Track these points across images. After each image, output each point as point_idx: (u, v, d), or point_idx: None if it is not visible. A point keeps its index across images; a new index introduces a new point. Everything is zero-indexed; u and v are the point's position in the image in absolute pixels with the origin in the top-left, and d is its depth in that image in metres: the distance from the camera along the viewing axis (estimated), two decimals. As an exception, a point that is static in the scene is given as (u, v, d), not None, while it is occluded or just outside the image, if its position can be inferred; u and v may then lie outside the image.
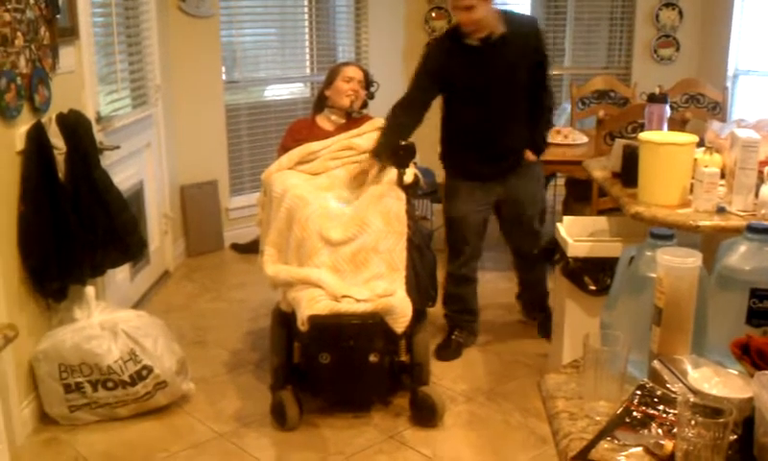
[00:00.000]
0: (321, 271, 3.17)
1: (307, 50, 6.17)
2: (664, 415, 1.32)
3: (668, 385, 1.39)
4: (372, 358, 3.18)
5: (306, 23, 6.12)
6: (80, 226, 3.36)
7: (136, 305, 4.42)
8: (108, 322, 3.33)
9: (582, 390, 1.49)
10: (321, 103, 3.93)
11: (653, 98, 3.53)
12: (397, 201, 3.37)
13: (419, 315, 3.28)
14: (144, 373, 3.30)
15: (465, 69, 3.70)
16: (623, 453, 1.28)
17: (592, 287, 3.15)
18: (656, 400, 1.36)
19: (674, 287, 1.48)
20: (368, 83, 3.91)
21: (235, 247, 5.65)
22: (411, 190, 3.52)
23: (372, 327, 3.09)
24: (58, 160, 3.32)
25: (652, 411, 1.34)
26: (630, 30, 6.47)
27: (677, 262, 1.48)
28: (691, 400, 1.24)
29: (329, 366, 3.17)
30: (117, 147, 4.02)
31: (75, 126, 3.44)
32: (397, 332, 3.12)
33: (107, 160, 3.84)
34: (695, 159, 2.96)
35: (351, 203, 3.44)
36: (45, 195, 3.23)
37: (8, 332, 2.06)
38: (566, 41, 6.65)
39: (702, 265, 1.51)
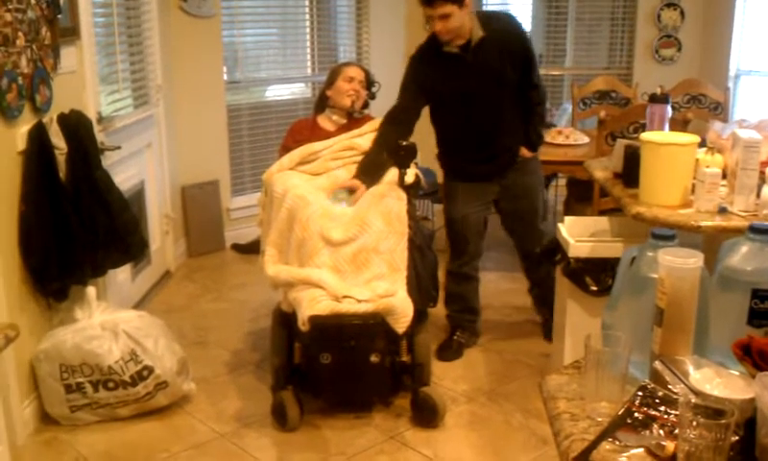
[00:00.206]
0: (321, 271, 3.17)
1: (308, 50, 6.17)
2: (666, 416, 1.32)
3: (670, 386, 1.39)
4: (373, 359, 3.18)
5: (307, 23, 6.12)
6: (81, 226, 3.36)
7: (137, 306, 4.42)
8: (108, 322, 3.33)
9: (583, 391, 1.49)
10: (322, 103, 3.93)
11: (654, 98, 3.53)
12: (398, 201, 3.37)
13: (420, 315, 3.27)
14: (145, 373, 3.30)
15: (447, 78, 3.67)
16: (624, 454, 1.28)
17: (594, 288, 3.15)
18: (657, 401, 1.35)
19: (675, 288, 1.48)
20: (369, 83, 3.91)
21: (236, 247, 5.65)
22: (412, 190, 3.52)
23: (372, 327, 3.09)
24: (59, 160, 3.32)
25: (653, 412, 1.33)
26: (631, 30, 6.46)
27: (678, 263, 1.47)
28: (693, 401, 1.24)
29: (330, 366, 3.17)
30: (118, 147, 4.02)
31: (76, 126, 3.44)
32: (398, 333, 3.12)
33: (108, 160, 3.84)
34: (697, 160, 2.96)
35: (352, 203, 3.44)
36: (46, 195, 3.23)
37: (9, 332, 2.06)
38: (568, 42, 6.65)
39: (703, 266, 1.51)
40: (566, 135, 5.01)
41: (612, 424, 1.34)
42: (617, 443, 1.30)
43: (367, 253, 3.23)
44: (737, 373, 1.41)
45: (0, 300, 3.02)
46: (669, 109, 3.46)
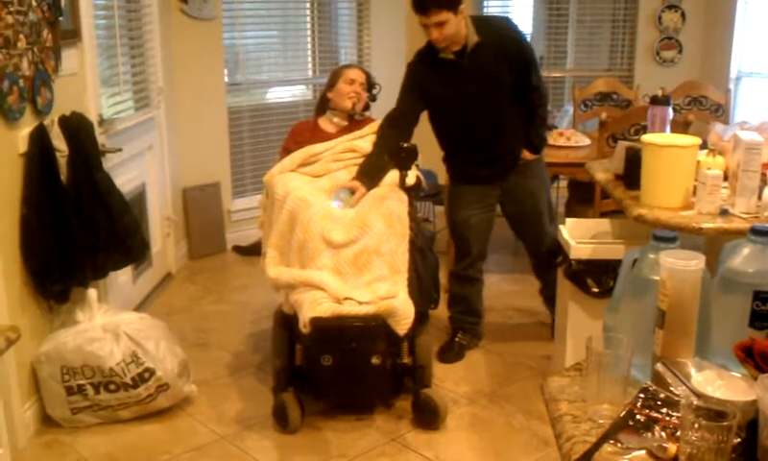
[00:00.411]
0: (323, 273, 3.17)
1: (309, 52, 6.17)
2: (668, 418, 1.32)
3: (671, 388, 1.39)
4: (375, 361, 3.17)
5: (308, 25, 6.12)
6: (82, 228, 3.36)
7: (138, 308, 4.42)
8: (110, 324, 3.33)
9: (585, 393, 1.49)
10: (323, 105, 3.93)
11: (655, 100, 3.53)
12: (399, 203, 3.37)
13: (421, 317, 3.27)
14: (146, 375, 3.30)
15: (444, 84, 3.67)
16: (626, 456, 1.28)
17: (595, 289, 3.15)
18: (659, 403, 1.35)
19: (677, 290, 1.47)
20: (370, 85, 3.91)
21: (237, 249, 5.65)
22: (413, 192, 3.52)
23: (374, 329, 3.09)
24: (60, 163, 3.32)
25: (655, 414, 1.33)
26: (632, 32, 6.46)
27: (680, 265, 1.47)
28: (695, 403, 1.24)
29: (331, 368, 3.17)
30: (119, 149, 4.03)
31: (77, 128, 3.44)
32: (400, 335, 3.12)
33: (109, 163, 3.84)
34: (698, 162, 2.96)
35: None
36: (47, 197, 3.23)
37: (9, 334, 2.06)
38: (569, 44, 6.65)
39: (705, 268, 1.51)
40: (567, 137, 5.01)
41: (614, 427, 1.34)
42: (619, 445, 1.30)
43: (368, 254, 3.23)
44: (739, 375, 1.41)
45: (1, 302, 3.02)
46: (670, 110, 3.46)
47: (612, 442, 1.31)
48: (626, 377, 1.44)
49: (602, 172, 3.46)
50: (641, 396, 1.37)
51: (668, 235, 1.58)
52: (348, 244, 3.24)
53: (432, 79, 3.69)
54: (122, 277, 4.22)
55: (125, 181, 4.21)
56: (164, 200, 5.09)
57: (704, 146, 3.09)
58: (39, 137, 3.23)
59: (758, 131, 3.03)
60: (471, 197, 3.89)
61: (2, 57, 2.98)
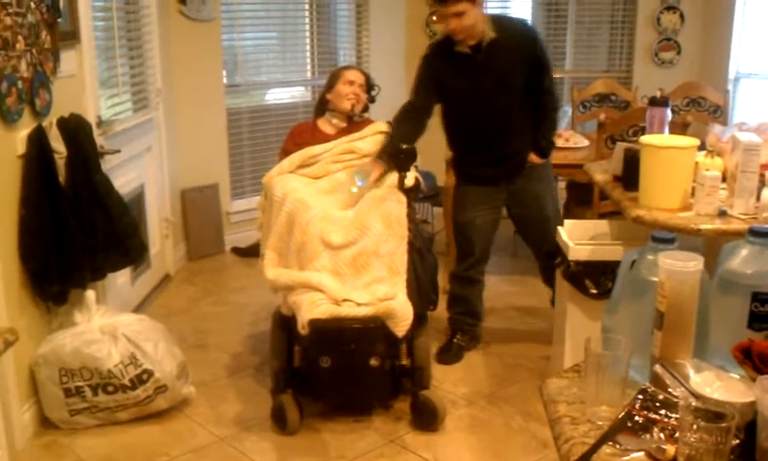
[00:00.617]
0: (321, 275, 3.17)
1: (308, 54, 6.17)
2: (666, 419, 1.32)
3: (670, 390, 1.39)
4: (373, 362, 3.17)
5: (307, 27, 6.13)
6: (80, 230, 3.35)
7: (137, 309, 4.42)
8: (108, 326, 3.32)
9: (583, 394, 1.49)
10: (322, 106, 3.93)
11: (654, 101, 3.53)
12: (398, 204, 3.37)
13: (419, 319, 3.27)
14: (144, 377, 3.29)
15: (457, 77, 3.70)
16: (625, 458, 1.28)
17: (594, 291, 3.15)
18: (657, 404, 1.35)
19: (676, 291, 1.47)
20: (369, 86, 3.91)
21: (236, 250, 5.65)
22: (412, 194, 3.52)
23: (372, 330, 3.09)
24: (58, 164, 3.32)
25: (654, 416, 1.33)
26: (631, 33, 6.47)
27: (678, 266, 1.47)
28: (693, 404, 1.24)
29: (330, 370, 3.17)
30: (118, 151, 4.02)
31: (76, 130, 3.44)
32: (398, 336, 3.12)
33: (107, 164, 3.84)
34: (696, 163, 2.96)
35: (352, 206, 3.43)
36: (46, 199, 3.23)
37: (8, 336, 2.06)
38: (567, 45, 6.65)
39: (703, 269, 1.51)
40: (566, 138, 5.01)
41: (613, 428, 1.34)
42: (618, 447, 1.30)
43: (367, 256, 3.23)
44: (738, 376, 1.41)
45: (-1, 303, 3.02)
46: (669, 112, 3.47)
47: (610, 443, 1.31)
48: (624, 379, 1.44)
49: (600, 173, 3.46)
50: (640, 397, 1.37)
51: (667, 237, 1.58)
52: (346, 245, 3.24)
53: (447, 71, 3.72)
54: (120, 278, 4.22)
55: (123, 182, 4.21)
56: (163, 201, 5.09)
57: (702, 147, 3.09)
58: (38, 139, 3.23)
59: (757, 132, 3.04)
60: (477, 198, 3.89)
61: (0, 58, 2.98)
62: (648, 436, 1.30)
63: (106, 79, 4.32)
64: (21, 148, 3.17)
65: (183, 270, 5.35)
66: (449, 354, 3.97)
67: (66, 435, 3.28)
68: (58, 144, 3.33)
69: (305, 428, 3.32)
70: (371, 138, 3.68)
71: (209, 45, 5.39)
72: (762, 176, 2.82)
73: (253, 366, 3.92)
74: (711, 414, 1.21)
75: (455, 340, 4.02)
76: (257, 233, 3.86)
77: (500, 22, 3.72)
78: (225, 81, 5.61)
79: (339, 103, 3.81)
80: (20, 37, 3.13)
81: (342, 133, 3.78)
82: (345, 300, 3.11)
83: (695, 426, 1.19)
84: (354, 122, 3.83)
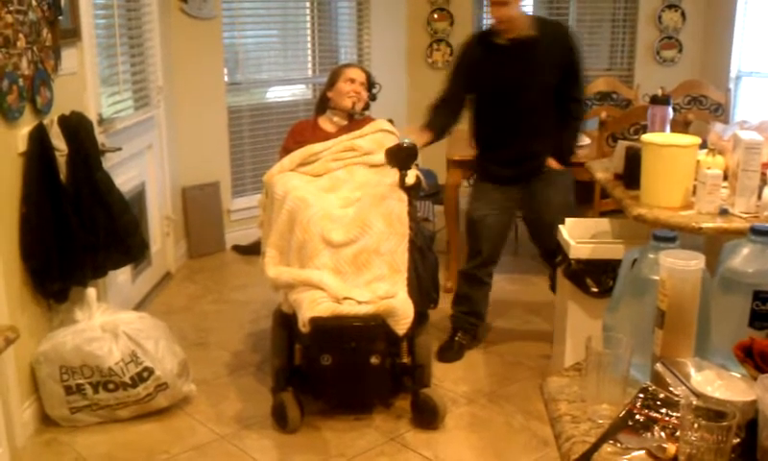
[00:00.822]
0: (322, 273, 3.17)
1: (309, 52, 6.17)
2: (667, 418, 1.32)
3: (671, 388, 1.39)
4: (374, 360, 3.17)
5: (308, 25, 6.12)
6: (81, 227, 3.36)
7: (138, 307, 4.42)
8: (109, 323, 3.32)
9: (584, 393, 1.49)
10: (323, 104, 3.93)
11: (655, 100, 3.53)
12: (399, 202, 3.36)
13: (420, 317, 3.27)
14: (145, 374, 3.29)
15: (490, 68, 3.78)
16: (626, 457, 1.28)
17: (594, 289, 3.15)
18: (658, 403, 1.35)
19: (677, 290, 1.47)
20: (370, 84, 3.91)
21: (237, 248, 5.65)
22: (413, 192, 3.51)
23: (373, 329, 3.09)
24: (59, 162, 3.32)
25: (655, 414, 1.33)
26: (632, 31, 6.46)
27: (680, 265, 1.47)
28: (694, 403, 1.24)
29: (331, 368, 3.17)
30: (119, 149, 4.02)
31: (77, 128, 3.44)
32: (399, 334, 3.12)
33: (108, 162, 3.84)
34: (698, 161, 2.96)
35: (353, 204, 3.43)
36: (47, 197, 3.23)
37: (9, 334, 2.06)
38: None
39: (705, 267, 1.51)
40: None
41: (614, 427, 1.34)
42: (618, 445, 1.30)
43: (368, 254, 3.22)
44: (739, 375, 1.41)
45: (1, 301, 3.01)
46: (670, 110, 3.46)
47: (611, 442, 1.31)
48: (625, 377, 1.44)
49: (602, 171, 3.46)
50: (641, 396, 1.37)
51: (668, 235, 1.58)
52: (347, 243, 3.24)
53: (481, 60, 3.81)
54: (121, 276, 4.22)
55: (124, 180, 4.21)
56: (164, 199, 5.09)
57: (704, 145, 3.09)
58: (39, 137, 3.23)
59: (758, 130, 3.03)
60: (491, 196, 3.92)
61: (1, 56, 2.98)
62: (649, 435, 1.30)
63: (107, 76, 4.32)
64: (22, 146, 3.17)
65: (184, 268, 5.35)
66: (450, 352, 3.97)
67: (67, 433, 3.28)
68: (59, 142, 3.34)
69: (306, 426, 3.32)
70: (371, 136, 3.68)
71: (210, 43, 5.39)
72: (764, 174, 2.82)
73: (254, 364, 3.92)
74: (712, 413, 1.21)
75: (456, 338, 4.02)
76: (258, 231, 3.86)
77: (543, 23, 3.80)
78: (226, 78, 5.61)
79: (340, 101, 3.81)
80: (21, 35, 3.13)
81: (343, 130, 3.78)
82: (345, 298, 3.11)
83: (696, 425, 1.19)
84: (355, 120, 3.82)
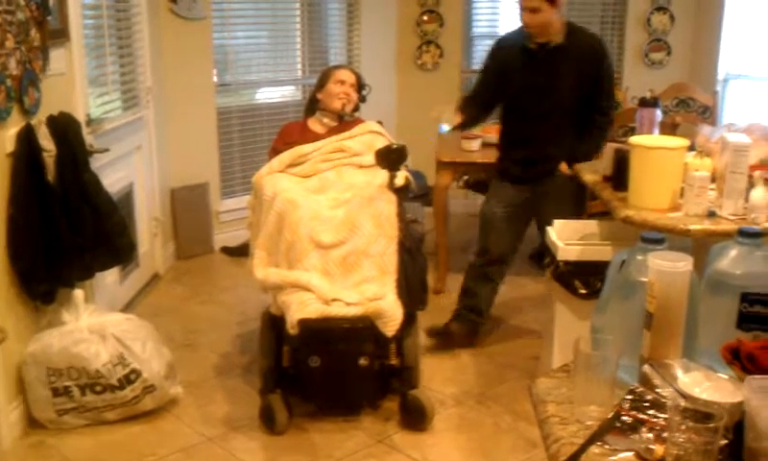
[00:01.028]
0: (311, 274, 3.17)
1: (299, 53, 6.16)
2: (655, 420, 1.32)
3: (659, 390, 1.39)
4: (362, 362, 3.17)
5: (298, 26, 6.11)
6: (69, 229, 3.34)
7: (126, 308, 4.40)
8: (96, 325, 3.31)
9: (572, 394, 1.49)
10: (312, 106, 3.93)
11: (644, 102, 3.54)
12: (388, 204, 3.36)
13: (409, 319, 3.27)
14: (132, 376, 3.28)
15: (517, 69, 3.85)
16: (613, 458, 1.28)
17: (583, 291, 3.15)
18: (646, 404, 1.35)
19: (665, 292, 1.47)
20: (360, 86, 3.91)
21: (225, 250, 5.63)
22: (402, 193, 3.51)
23: (361, 330, 3.08)
24: (47, 163, 3.30)
25: (642, 416, 1.33)
26: (621, 34, 6.47)
27: (668, 267, 1.47)
28: (682, 404, 1.24)
29: (319, 369, 3.16)
30: (107, 150, 4.00)
31: (65, 128, 3.42)
32: (388, 336, 3.11)
33: (96, 163, 3.82)
34: (686, 164, 2.96)
35: (342, 205, 3.43)
36: (34, 198, 3.21)
37: (-4, 335, 2.05)
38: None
39: (693, 269, 1.51)
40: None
41: (602, 428, 1.34)
42: (606, 447, 1.30)
43: (356, 255, 3.22)
44: (726, 376, 1.41)
45: (-13, 302, 3.00)
46: (659, 112, 3.47)
47: (599, 444, 1.31)
48: (613, 379, 1.44)
49: (590, 173, 3.46)
50: (629, 397, 1.37)
51: (656, 237, 1.58)
52: (336, 245, 3.23)
53: (509, 61, 3.89)
54: (109, 277, 4.20)
55: (113, 181, 4.19)
56: (152, 200, 5.07)
57: (692, 148, 3.10)
58: (27, 137, 3.21)
59: (746, 132, 3.04)
60: (504, 194, 3.99)
61: (-12, 55, 2.97)
62: (637, 436, 1.30)
63: (95, 77, 4.30)
64: (10, 146, 3.15)
65: (172, 269, 5.33)
66: (439, 336, 4.00)
67: (53, 435, 3.26)
68: (47, 142, 3.32)
69: (294, 428, 3.31)
70: (360, 137, 3.68)
71: (200, 44, 5.37)
72: (751, 176, 2.83)
73: (242, 366, 3.91)
74: (700, 414, 1.21)
75: (450, 325, 4.03)
76: (247, 233, 3.85)
77: (573, 31, 3.82)
78: (215, 79, 5.60)
79: (329, 102, 3.81)
80: (9, 35, 3.11)
81: (332, 132, 3.77)
82: (334, 299, 3.10)
83: (684, 427, 1.19)
84: (345, 121, 3.82)
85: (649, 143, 3.01)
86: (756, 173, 2.83)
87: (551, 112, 3.82)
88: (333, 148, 3.63)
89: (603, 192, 3.22)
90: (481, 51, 6.73)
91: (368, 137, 3.67)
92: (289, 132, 3.88)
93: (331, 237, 3.24)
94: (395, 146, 3.45)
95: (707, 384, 1.35)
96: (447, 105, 3.95)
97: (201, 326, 4.41)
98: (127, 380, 3.27)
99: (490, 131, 4.95)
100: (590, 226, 3.44)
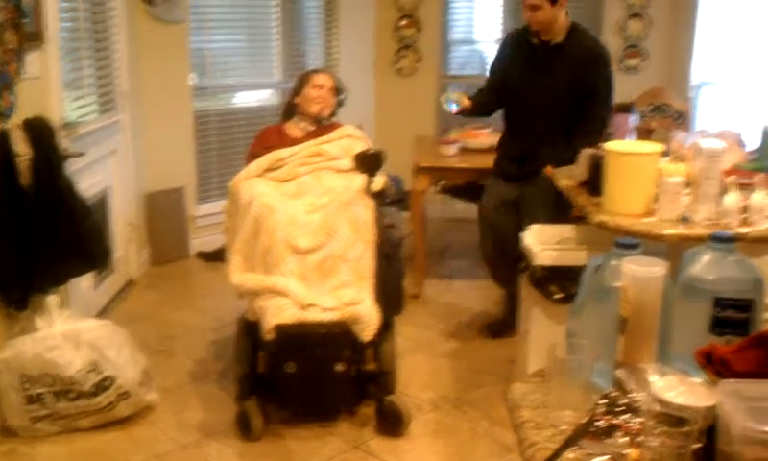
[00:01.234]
0: (287, 279, 3.16)
1: (277, 57, 6.14)
2: (629, 424, 1.32)
3: (633, 394, 1.39)
4: (339, 368, 3.16)
5: (276, 29, 6.09)
6: (43, 234, 3.30)
7: (100, 314, 4.36)
8: (70, 332, 3.27)
9: (547, 399, 1.49)
10: (290, 110, 3.92)
11: (619, 108, 3.56)
12: (366, 209, 3.36)
13: (385, 324, 3.27)
14: (107, 383, 3.25)
15: (518, 65, 3.95)
16: (588, 463, 1.28)
17: (557, 296, 3.16)
18: (620, 409, 1.36)
19: (639, 297, 1.48)
20: (338, 90, 3.90)
21: (201, 255, 5.60)
22: (379, 198, 3.51)
23: (338, 336, 3.08)
24: (21, 167, 3.26)
25: (617, 420, 1.33)
26: (597, 40, 6.50)
27: (641, 272, 1.48)
28: (655, 408, 1.24)
29: (295, 375, 3.15)
30: (82, 154, 3.96)
31: (40, 132, 3.39)
32: (364, 341, 3.11)
33: (72, 167, 3.78)
34: (660, 169, 2.99)
35: (319, 210, 3.42)
36: (7, 202, 3.18)
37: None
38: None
39: (666, 274, 1.52)
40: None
41: (576, 433, 1.34)
42: (581, 451, 1.30)
43: (333, 260, 3.22)
44: (699, 381, 1.42)
45: (-42, 308, 2.96)
46: (633, 118, 3.50)
47: (574, 448, 1.31)
48: (588, 383, 1.44)
49: (566, 178, 3.48)
50: (603, 402, 1.38)
51: (631, 242, 1.59)
52: (313, 250, 3.23)
53: (512, 56, 4.00)
54: (84, 282, 4.16)
55: (88, 185, 4.16)
56: (128, 205, 5.03)
57: (666, 153, 3.13)
58: (1, 142, 3.18)
59: (719, 138, 3.07)
60: (497, 189, 4.11)
61: (-39, 58, 2.93)
62: (611, 440, 1.30)
63: (71, 80, 4.27)
64: (-18, 150, 3.12)
65: (147, 275, 5.29)
66: (500, 329, 4.20)
67: (26, 443, 3.22)
68: (21, 146, 3.28)
69: (270, 434, 3.29)
70: (338, 142, 3.67)
71: (177, 47, 5.35)
72: (724, 182, 2.85)
73: (218, 372, 3.88)
74: (674, 418, 1.21)
75: (508, 319, 4.12)
76: (223, 238, 3.83)
77: (574, 32, 3.85)
78: (192, 83, 5.57)
79: (307, 107, 3.80)
80: (-18, 38, 3.08)
81: (310, 136, 3.76)
82: (310, 305, 3.10)
83: (657, 431, 1.20)
84: (322, 125, 3.81)
85: (623, 149, 3.03)
86: (729, 178, 2.86)
87: (545, 111, 3.87)
88: (311, 152, 3.62)
89: (578, 197, 3.23)
90: (458, 57, 6.76)
91: (346, 142, 3.67)
92: (267, 136, 3.87)
93: (308, 242, 3.23)
94: (372, 151, 3.45)
95: (680, 388, 1.36)
96: (460, 94, 4.07)
97: (176, 331, 4.38)
98: (101, 387, 3.24)
99: (468, 136, 4.97)
100: (567, 230, 3.46)
